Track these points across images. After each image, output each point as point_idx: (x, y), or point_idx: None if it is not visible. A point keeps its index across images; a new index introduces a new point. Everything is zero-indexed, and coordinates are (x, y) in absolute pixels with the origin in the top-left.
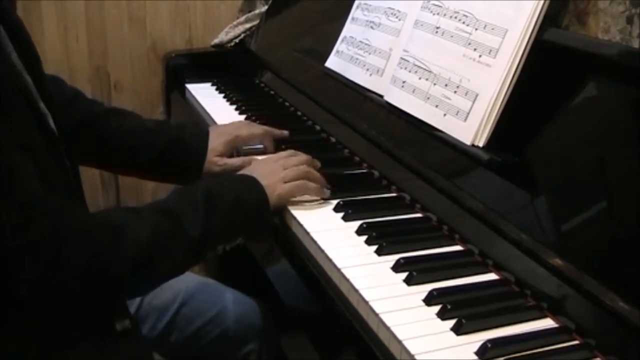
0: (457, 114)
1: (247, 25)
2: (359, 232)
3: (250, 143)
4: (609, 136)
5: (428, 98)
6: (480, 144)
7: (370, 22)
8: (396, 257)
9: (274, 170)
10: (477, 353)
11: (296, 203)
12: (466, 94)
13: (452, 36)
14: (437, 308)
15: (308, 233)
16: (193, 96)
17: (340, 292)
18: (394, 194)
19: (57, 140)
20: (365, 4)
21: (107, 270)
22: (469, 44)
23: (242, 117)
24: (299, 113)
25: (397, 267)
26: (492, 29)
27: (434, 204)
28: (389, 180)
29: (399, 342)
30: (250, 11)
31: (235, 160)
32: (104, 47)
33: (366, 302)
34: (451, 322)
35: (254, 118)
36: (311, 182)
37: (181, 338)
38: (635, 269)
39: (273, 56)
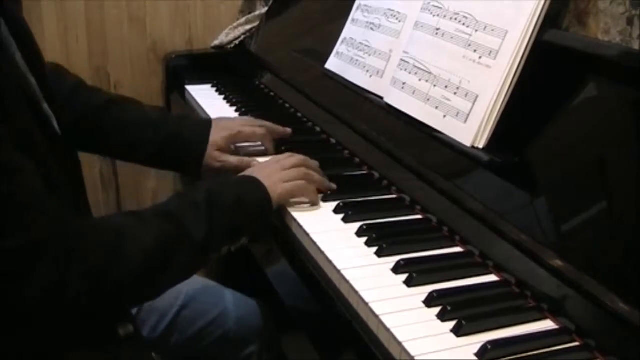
0: (457, 116)
1: (247, 27)
2: (359, 233)
3: (251, 141)
4: (609, 137)
5: (428, 99)
6: (480, 145)
7: (371, 23)
8: (396, 258)
9: (274, 171)
10: (477, 354)
11: (296, 204)
12: (466, 95)
13: (452, 37)
14: (437, 309)
15: (308, 234)
16: (193, 97)
17: (340, 293)
18: (394, 196)
19: (60, 141)
20: (365, 5)
21: (110, 276)
22: (469, 45)
23: None
24: (299, 114)
25: (397, 269)
26: (492, 30)
27: (434, 205)
28: (389, 182)
29: (399, 343)
30: (250, 12)
31: (234, 159)
32: (104, 47)
33: (366, 304)
34: (451, 324)
35: None
36: (310, 185)
37: (182, 340)
38: (635, 270)
39: (273, 57)
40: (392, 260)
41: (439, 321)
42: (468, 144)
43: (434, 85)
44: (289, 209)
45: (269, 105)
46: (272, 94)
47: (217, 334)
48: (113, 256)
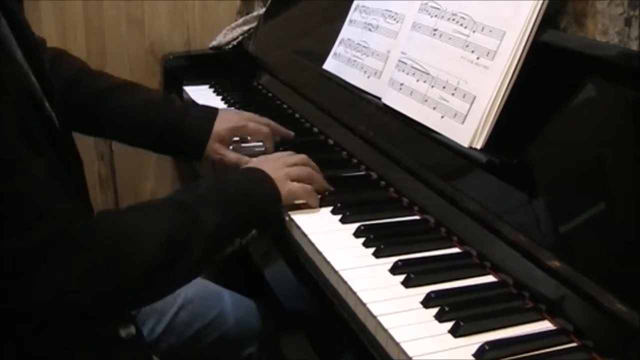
0: (454, 116)
1: (245, 28)
2: (357, 234)
3: (253, 138)
4: (607, 138)
5: (426, 100)
6: (478, 146)
7: (368, 24)
8: (394, 259)
9: (279, 165)
10: (475, 355)
11: (294, 206)
12: (464, 96)
13: (449, 38)
14: (435, 310)
15: (306, 235)
16: (191, 98)
17: (339, 294)
18: (392, 196)
19: (61, 140)
20: (363, 6)
21: (123, 272)
22: (467, 46)
23: None
24: (297, 115)
25: (395, 269)
26: (490, 31)
27: (432, 206)
28: (387, 182)
29: (397, 344)
30: (248, 13)
31: (233, 156)
32: (102, 47)
33: (364, 304)
34: (449, 324)
35: None
36: (314, 193)
37: (181, 341)
38: (633, 271)
39: (271, 58)
40: (390, 260)
41: (436, 322)
42: (466, 144)
43: (432, 86)
44: (288, 210)
45: (267, 106)
46: (270, 94)
47: (215, 335)
48: (127, 251)
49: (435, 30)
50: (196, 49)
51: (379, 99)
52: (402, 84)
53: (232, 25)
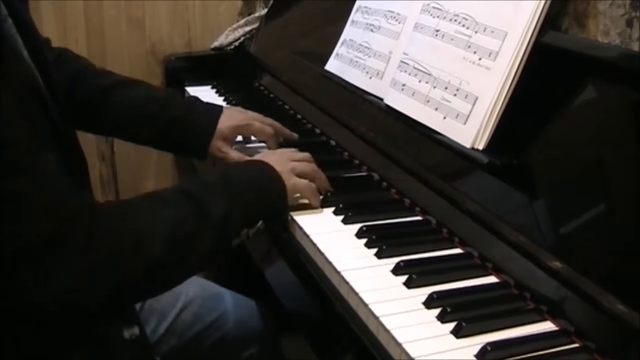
0: (456, 117)
1: (247, 29)
2: (359, 235)
3: (257, 138)
4: (609, 139)
5: (428, 101)
6: (480, 147)
7: (370, 25)
8: (396, 259)
9: (283, 160)
10: (477, 356)
11: (296, 205)
12: (466, 96)
13: (452, 39)
14: (437, 311)
15: (307, 235)
16: None
17: (340, 294)
18: (393, 197)
19: (66, 139)
20: (365, 6)
21: (134, 265)
22: (469, 46)
23: None
24: (298, 116)
25: (397, 270)
26: (492, 31)
27: (434, 207)
28: (389, 183)
29: (399, 344)
30: (249, 14)
31: (235, 155)
32: (103, 48)
33: (366, 305)
34: (451, 325)
35: None
36: (317, 193)
37: (182, 342)
38: (634, 272)
39: (273, 59)
40: (392, 261)
41: (438, 322)
42: (468, 145)
43: (434, 87)
44: (290, 211)
45: (269, 107)
46: (271, 95)
47: (216, 336)
48: (129, 250)
49: (437, 31)
50: (196, 49)
51: (381, 99)
52: (404, 85)
53: (234, 26)
